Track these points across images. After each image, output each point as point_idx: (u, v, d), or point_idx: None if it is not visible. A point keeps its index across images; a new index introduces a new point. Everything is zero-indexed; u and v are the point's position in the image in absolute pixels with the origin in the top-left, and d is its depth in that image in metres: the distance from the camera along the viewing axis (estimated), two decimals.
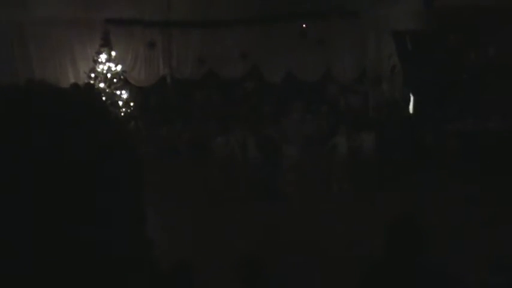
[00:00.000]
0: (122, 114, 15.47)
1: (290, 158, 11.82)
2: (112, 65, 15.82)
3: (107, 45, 15.89)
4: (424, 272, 3.75)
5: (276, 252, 7.37)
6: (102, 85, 15.73)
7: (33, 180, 0.75)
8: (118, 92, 15.85)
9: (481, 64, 14.31)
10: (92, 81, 15.51)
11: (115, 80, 15.86)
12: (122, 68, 15.99)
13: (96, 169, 0.80)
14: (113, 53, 15.88)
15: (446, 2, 13.92)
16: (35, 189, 0.75)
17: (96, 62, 15.79)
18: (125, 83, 16.20)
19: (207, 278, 6.07)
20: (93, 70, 15.76)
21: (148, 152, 13.06)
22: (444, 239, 7.33)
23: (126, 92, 16.05)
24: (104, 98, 15.31)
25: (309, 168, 12.12)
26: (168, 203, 9.78)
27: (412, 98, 15.61)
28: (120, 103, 15.81)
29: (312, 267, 7.28)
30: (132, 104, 16.10)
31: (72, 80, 15.19)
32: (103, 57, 15.77)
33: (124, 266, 0.85)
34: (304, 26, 16.46)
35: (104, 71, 15.79)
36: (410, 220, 3.93)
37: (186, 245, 7.90)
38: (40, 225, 0.75)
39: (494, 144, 12.41)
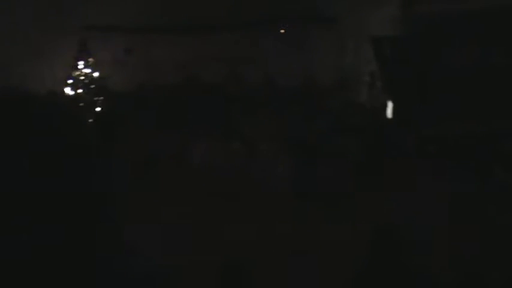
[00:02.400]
0: (99, 120, 15.35)
1: (270, 162, 11.83)
2: (90, 71, 15.72)
3: (84, 52, 15.78)
4: (407, 276, 3.77)
5: (258, 257, 7.35)
6: (79, 91, 15.61)
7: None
8: (96, 98, 15.75)
9: (457, 68, 14.45)
10: (69, 88, 15.40)
11: (93, 87, 15.76)
12: (99, 74, 15.89)
13: (63, 177, 0.79)
14: (91, 59, 15.78)
15: (423, 7, 14.06)
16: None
17: (74, 68, 15.67)
18: (102, 90, 16.10)
19: (190, 284, 6.03)
20: (71, 76, 15.65)
21: (128, 158, 12.96)
22: (423, 242, 7.37)
23: (104, 98, 15.95)
24: (81, 105, 15.22)
25: (288, 172, 12.12)
26: (149, 209, 9.72)
27: (390, 103, 15.70)
28: (98, 109, 15.71)
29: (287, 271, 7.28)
30: (110, 110, 15.99)
31: (49, 87, 15.05)
32: (81, 63, 15.67)
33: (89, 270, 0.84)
34: (283, 31, 16.51)
35: (82, 78, 15.68)
36: (390, 226, 3.95)
37: (166, 252, 7.84)
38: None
39: (471, 147, 12.54)
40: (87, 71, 15.80)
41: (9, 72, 15.28)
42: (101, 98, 15.87)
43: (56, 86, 15.35)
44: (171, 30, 16.47)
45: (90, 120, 14.75)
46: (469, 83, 14.06)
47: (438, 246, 7.62)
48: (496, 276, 6.43)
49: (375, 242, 3.93)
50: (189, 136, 14.00)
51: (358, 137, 13.63)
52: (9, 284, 0.75)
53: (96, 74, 15.87)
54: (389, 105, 15.70)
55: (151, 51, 16.68)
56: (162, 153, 14.31)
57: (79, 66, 15.73)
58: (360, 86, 16.55)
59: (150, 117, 16.19)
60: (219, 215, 9.99)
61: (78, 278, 0.80)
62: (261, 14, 15.86)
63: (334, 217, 9.85)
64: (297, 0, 15.34)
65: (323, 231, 9.12)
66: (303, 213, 10.36)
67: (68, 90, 15.74)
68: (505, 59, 14.14)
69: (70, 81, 15.63)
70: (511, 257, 7.17)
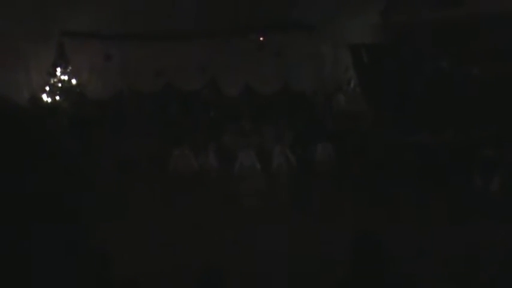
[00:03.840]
0: (78, 127, 15.22)
1: (248, 169, 11.82)
2: (67, 78, 15.59)
3: (62, 58, 15.65)
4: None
5: (236, 263, 7.33)
6: (57, 98, 15.47)
7: None
8: (73, 106, 15.63)
9: (435, 77, 14.57)
10: (46, 95, 15.26)
11: (70, 94, 15.63)
12: (77, 81, 15.77)
13: (39, 180, 0.76)
14: (69, 66, 15.66)
15: (401, 16, 14.17)
16: None
17: (51, 75, 15.53)
18: (80, 97, 15.98)
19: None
20: (48, 83, 15.50)
21: (106, 166, 12.88)
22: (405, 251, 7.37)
23: (82, 105, 15.83)
24: (58, 112, 15.09)
25: (266, 180, 12.11)
26: (127, 215, 9.67)
27: (368, 110, 15.78)
28: (75, 116, 15.58)
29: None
30: (87, 117, 15.87)
31: (25, 94, 14.91)
32: (58, 70, 15.54)
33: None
34: (261, 39, 16.54)
35: (59, 85, 15.54)
36: (371, 236, 3.94)
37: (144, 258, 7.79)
38: None
39: (449, 156, 12.62)
40: (65, 77, 15.67)
41: None
42: (79, 104, 15.75)
43: (33, 93, 15.21)
44: (150, 37, 16.40)
45: (67, 127, 14.64)
46: (446, 91, 14.18)
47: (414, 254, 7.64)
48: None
49: (356, 250, 3.92)
50: (166, 143, 13.96)
51: (337, 144, 13.68)
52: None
53: (73, 81, 15.74)
54: (368, 113, 15.77)
55: (129, 58, 16.58)
56: (138, 160, 14.24)
57: (57, 73, 15.60)
58: (338, 94, 16.62)
59: (127, 123, 16.11)
60: (194, 221, 9.96)
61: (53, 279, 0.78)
62: (240, 22, 15.85)
63: (316, 223, 9.86)
64: (276, 7, 15.36)
65: (305, 237, 9.12)
66: (285, 220, 10.38)
67: (45, 97, 15.60)
68: (482, 69, 14.28)
69: (47, 88, 15.48)
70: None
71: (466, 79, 14.38)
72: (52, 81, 15.54)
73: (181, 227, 9.78)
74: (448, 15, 13.88)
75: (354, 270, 3.88)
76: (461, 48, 14.37)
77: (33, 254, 0.77)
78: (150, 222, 9.90)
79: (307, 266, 7.61)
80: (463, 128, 13.55)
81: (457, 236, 8.56)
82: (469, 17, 13.78)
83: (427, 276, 5.97)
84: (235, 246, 8.73)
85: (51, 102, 15.53)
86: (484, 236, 8.38)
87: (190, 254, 7.94)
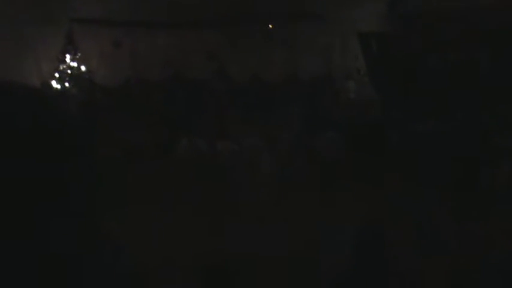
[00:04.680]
0: (85, 114, 15.28)
1: (256, 158, 11.84)
2: (76, 64, 15.64)
3: (71, 45, 15.69)
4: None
5: (239, 258, 7.36)
6: (66, 85, 15.53)
7: None
8: (82, 92, 15.69)
9: (442, 67, 14.52)
10: (55, 81, 15.32)
11: (79, 80, 15.69)
12: (86, 68, 15.81)
13: (48, 171, 0.78)
14: (78, 53, 15.70)
15: (410, 4, 14.11)
16: None
17: (61, 61, 15.58)
18: (89, 83, 16.03)
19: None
20: (57, 70, 15.56)
21: (113, 154, 12.92)
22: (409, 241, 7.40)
23: (91, 92, 15.89)
24: (68, 98, 15.15)
25: (274, 168, 12.12)
26: (132, 205, 9.69)
27: (377, 99, 15.75)
28: (84, 103, 15.63)
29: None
30: (97, 104, 15.93)
31: (35, 80, 14.97)
32: (68, 57, 15.58)
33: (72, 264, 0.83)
34: (270, 27, 16.50)
35: (69, 71, 15.59)
36: (374, 226, 3.97)
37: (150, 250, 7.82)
38: None
39: (455, 144, 12.60)
40: (74, 64, 15.72)
41: None
42: (88, 91, 15.81)
43: (43, 79, 15.28)
44: (159, 25, 16.41)
45: (76, 113, 14.68)
46: (455, 80, 14.14)
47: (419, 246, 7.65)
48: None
49: (359, 241, 3.95)
50: (174, 131, 13.99)
51: (346, 133, 13.67)
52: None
53: (83, 68, 15.79)
54: (377, 102, 15.74)
55: (138, 46, 16.60)
56: (146, 147, 14.29)
57: (66, 60, 15.65)
58: (347, 82, 16.58)
59: (135, 111, 16.15)
60: (203, 212, 9.99)
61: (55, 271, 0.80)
62: (248, 10, 15.82)
63: (320, 214, 9.85)
64: None
65: (308, 229, 9.12)
66: (291, 209, 10.37)
67: (54, 84, 15.67)
68: (492, 57, 14.22)
69: (57, 75, 15.55)
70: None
71: (475, 67, 14.33)
72: (61, 68, 15.60)
73: (189, 215, 9.82)
74: (459, 3, 13.81)
75: (356, 262, 3.91)
76: (469, 36, 14.31)
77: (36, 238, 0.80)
78: (158, 210, 9.94)
79: (310, 258, 7.64)
80: (473, 116, 13.51)
81: (463, 227, 8.56)
82: (478, 5, 13.71)
83: (427, 268, 5.99)
84: (241, 235, 8.75)
85: (60, 89, 15.60)
86: (491, 227, 8.38)
87: (197, 243, 7.98)
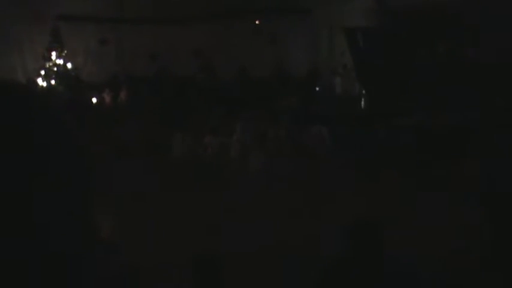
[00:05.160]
0: (71, 111, 15.22)
1: (244, 152, 11.84)
2: (62, 62, 15.57)
3: (57, 42, 15.62)
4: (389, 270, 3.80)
5: (235, 246, 7.37)
6: (52, 82, 15.46)
7: None
8: (68, 89, 15.62)
9: (431, 61, 14.60)
10: (42, 79, 15.25)
11: (66, 77, 15.62)
12: (72, 65, 15.74)
13: (38, 169, 0.79)
14: (64, 50, 15.63)
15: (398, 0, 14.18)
16: None
17: (46, 59, 15.50)
18: (76, 80, 15.96)
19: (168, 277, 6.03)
20: (43, 67, 15.48)
21: (100, 151, 12.87)
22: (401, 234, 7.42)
23: (77, 89, 15.82)
24: (54, 95, 15.08)
25: (262, 162, 12.12)
26: (122, 202, 9.66)
27: (363, 94, 15.82)
28: (70, 100, 15.58)
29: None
30: (84, 101, 15.87)
31: (21, 78, 14.89)
32: (53, 54, 15.51)
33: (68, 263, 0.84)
34: (257, 22, 16.52)
35: (55, 69, 15.52)
36: (369, 218, 3.98)
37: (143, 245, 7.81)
38: None
39: (443, 138, 12.65)
40: (60, 61, 15.64)
41: None
42: (74, 88, 15.73)
43: (28, 77, 15.19)
44: (145, 21, 16.37)
45: (63, 110, 14.60)
46: (442, 74, 14.21)
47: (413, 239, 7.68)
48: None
49: (353, 236, 3.94)
50: (161, 126, 13.96)
51: (332, 128, 13.70)
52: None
53: (69, 65, 15.72)
54: (363, 96, 15.80)
55: (124, 42, 16.57)
56: (133, 143, 14.24)
57: (52, 57, 15.57)
58: (333, 77, 16.63)
59: (122, 107, 16.11)
60: (193, 204, 9.98)
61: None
62: (235, 5, 15.83)
63: (309, 210, 9.86)
64: None
65: (298, 224, 9.14)
66: (280, 205, 10.38)
67: (40, 81, 15.59)
68: (479, 52, 14.30)
69: (43, 72, 15.46)
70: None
71: (463, 62, 14.41)
72: (47, 65, 15.52)
73: (182, 211, 9.80)
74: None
75: (351, 257, 3.91)
76: (457, 30, 14.39)
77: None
78: (150, 207, 9.92)
79: (303, 253, 7.66)
80: (460, 111, 13.57)
81: (456, 220, 8.59)
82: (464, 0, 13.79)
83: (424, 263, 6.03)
84: (234, 228, 8.75)
85: (46, 86, 15.52)
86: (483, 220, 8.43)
87: (190, 240, 7.97)
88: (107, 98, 16.88)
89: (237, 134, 12.94)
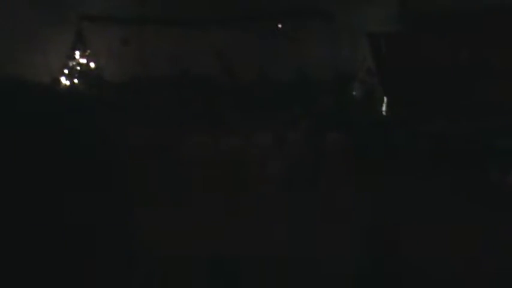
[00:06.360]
0: (95, 111, 15.32)
1: (263, 155, 11.84)
2: (85, 61, 15.72)
3: (80, 42, 15.78)
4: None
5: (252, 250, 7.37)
6: (75, 81, 15.62)
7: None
8: (91, 89, 15.77)
9: (453, 67, 14.48)
10: (65, 78, 15.41)
11: (88, 77, 15.78)
12: (95, 65, 15.89)
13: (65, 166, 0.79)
14: (87, 50, 15.78)
15: (420, 4, 14.08)
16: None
17: (70, 58, 15.67)
18: (98, 80, 16.11)
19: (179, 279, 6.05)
20: (67, 66, 15.65)
21: (122, 150, 12.93)
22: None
23: (100, 88, 15.96)
24: (77, 95, 15.21)
25: (281, 166, 12.12)
26: (143, 202, 9.70)
27: (385, 100, 15.73)
28: (93, 100, 15.71)
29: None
30: (105, 100, 15.99)
31: (45, 77, 15.05)
32: (77, 53, 15.67)
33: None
34: (279, 25, 16.51)
35: (78, 68, 15.68)
36: (382, 223, 3.98)
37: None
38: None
39: (465, 145, 12.56)
40: (83, 61, 15.80)
41: (4, 62, 15.23)
42: (97, 88, 15.89)
43: (52, 76, 15.36)
44: (167, 22, 16.46)
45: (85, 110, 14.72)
46: (463, 81, 14.10)
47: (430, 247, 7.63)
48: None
49: (369, 240, 3.95)
50: (182, 128, 14.01)
51: (353, 133, 13.65)
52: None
53: (92, 64, 15.87)
54: (385, 102, 15.71)
55: (146, 43, 16.65)
56: (153, 145, 14.29)
57: (75, 56, 15.74)
58: (354, 82, 16.56)
59: (143, 108, 16.18)
60: (212, 208, 10.00)
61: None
62: (257, 8, 15.84)
63: (328, 214, 9.84)
64: None
65: (316, 229, 9.12)
66: (297, 209, 10.36)
67: (63, 81, 15.76)
68: (501, 58, 14.16)
69: (66, 72, 15.64)
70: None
71: (484, 69, 14.28)
72: (71, 64, 15.70)
73: (199, 212, 9.83)
74: (468, 4, 13.78)
75: (366, 264, 3.91)
76: (480, 37, 14.26)
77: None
78: (168, 209, 9.96)
79: (317, 257, 7.64)
80: (481, 118, 13.46)
81: (469, 229, 8.53)
82: (489, 6, 13.67)
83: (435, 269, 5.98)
84: (251, 232, 8.76)
85: (69, 85, 15.70)
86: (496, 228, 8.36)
87: (206, 243, 7.97)
88: (128, 98, 16.98)
89: (256, 137, 12.94)
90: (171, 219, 9.33)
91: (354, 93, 16.47)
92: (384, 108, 15.78)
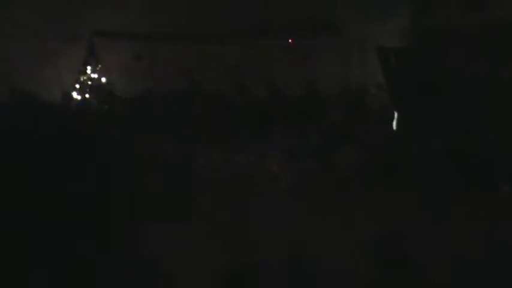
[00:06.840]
0: (106, 125, 15.42)
1: (273, 171, 11.84)
2: (97, 76, 15.84)
3: (92, 57, 15.90)
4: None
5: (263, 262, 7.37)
6: (87, 96, 15.71)
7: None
8: (102, 103, 15.87)
9: (464, 82, 14.46)
10: (76, 92, 15.51)
11: (100, 92, 15.88)
12: (107, 80, 15.99)
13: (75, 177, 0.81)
14: (98, 65, 15.90)
15: (431, 19, 14.10)
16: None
17: (82, 73, 15.79)
18: (109, 95, 16.20)
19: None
20: (78, 81, 15.76)
21: (133, 164, 12.97)
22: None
23: (111, 103, 16.05)
24: (88, 109, 15.32)
25: (291, 181, 12.11)
26: (153, 216, 9.71)
27: (395, 115, 15.70)
28: (105, 114, 15.81)
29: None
30: (117, 115, 16.07)
31: (57, 91, 15.19)
32: (88, 68, 15.79)
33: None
34: (290, 40, 16.56)
35: (89, 83, 15.79)
36: (391, 237, 3.98)
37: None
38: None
39: (476, 159, 12.52)
40: (95, 76, 15.91)
41: (17, 76, 15.39)
42: (108, 103, 15.99)
43: (64, 91, 15.49)
44: (178, 37, 16.55)
45: (97, 124, 14.82)
46: (474, 95, 14.06)
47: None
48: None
49: (378, 253, 3.96)
50: (193, 144, 14.03)
51: (364, 148, 13.64)
52: None
53: (103, 79, 15.98)
54: (396, 117, 15.68)
55: (158, 58, 16.75)
56: (165, 159, 14.32)
57: (87, 71, 15.85)
58: (365, 97, 16.56)
59: (155, 122, 16.22)
60: (221, 223, 9.99)
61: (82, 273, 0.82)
62: (268, 24, 15.91)
63: (340, 227, 9.81)
64: (305, 10, 15.36)
65: (327, 238, 9.09)
66: (308, 224, 10.33)
67: (75, 95, 15.87)
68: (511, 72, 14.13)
69: (77, 86, 15.75)
70: None
71: (497, 83, 14.25)
72: (82, 79, 15.80)
73: (209, 226, 9.83)
74: (478, 18, 13.79)
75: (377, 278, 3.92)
76: (492, 52, 14.25)
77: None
78: (177, 223, 9.96)
79: (334, 269, 7.62)
80: (494, 132, 13.41)
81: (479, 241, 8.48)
82: (500, 20, 13.68)
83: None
84: (263, 244, 8.75)
85: (81, 100, 15.80)
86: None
87: (218, 256, 7.98)
88: (140, 112, 17.04)
89: (267, 151, 12.95)
90: (180, 235, 9.34)
91: (364, 107, 16.46)
92: (394, 123, 15.74)
